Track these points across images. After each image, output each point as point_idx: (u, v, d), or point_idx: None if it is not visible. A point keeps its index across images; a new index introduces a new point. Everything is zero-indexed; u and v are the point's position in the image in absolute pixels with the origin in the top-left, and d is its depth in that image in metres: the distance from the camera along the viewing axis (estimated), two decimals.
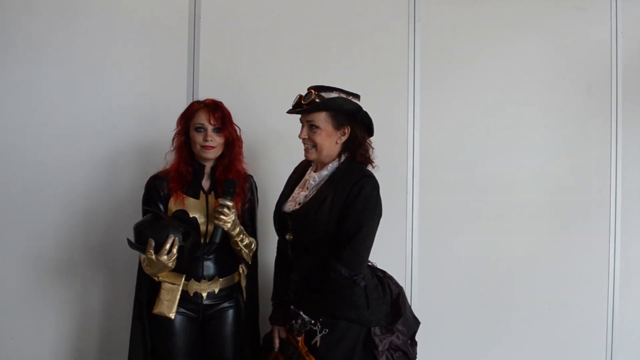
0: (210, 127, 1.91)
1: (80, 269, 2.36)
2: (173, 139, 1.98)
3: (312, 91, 1.77)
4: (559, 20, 2.74)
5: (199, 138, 1.91)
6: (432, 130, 2.62)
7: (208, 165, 1.98)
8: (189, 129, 1.94)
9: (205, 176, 1.97)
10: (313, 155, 1.81)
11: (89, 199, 2.35)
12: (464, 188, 2.63)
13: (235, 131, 1.99)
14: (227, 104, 2.00)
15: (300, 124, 1.83)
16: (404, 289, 1.95)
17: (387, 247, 2.50)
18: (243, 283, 2.03)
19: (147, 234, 1.76)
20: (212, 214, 1.83)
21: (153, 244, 1.74)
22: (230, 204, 1.80)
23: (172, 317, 1.84)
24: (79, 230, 2.35)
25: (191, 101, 2.29)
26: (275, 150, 2.47)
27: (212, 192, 1.95)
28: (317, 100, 1.74)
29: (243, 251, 1.95)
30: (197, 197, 1.93)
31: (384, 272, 1.91)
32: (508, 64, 2.69)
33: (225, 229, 1.82)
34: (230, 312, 1.97)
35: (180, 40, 2.44)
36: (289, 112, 1.85)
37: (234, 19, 2.48)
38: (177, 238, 1.77)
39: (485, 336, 2.67)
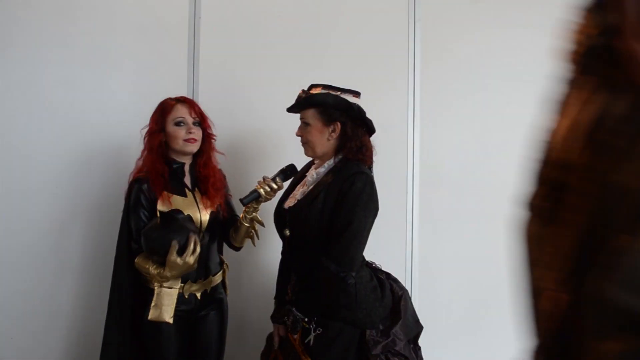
0: (190, 121, 1.91)
1: (83, 269, 2.36)
2: (145, 140, 1.92)
3: (303, 89, 1.80)
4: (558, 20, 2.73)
5: (180, 132, 1.89)
6: (432, 130, 2.62)
7: (187, 163, 1.98)
8: (165, 126, 1.91)
9: (186, 174, 1.98)
10: (308, 152, 1.84)
11: (89, 199, 2.35)
12: (464, 188, 2.63)
13: (210, 127, 2.00)
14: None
15: None
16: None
17: (387, 247, 2.51)
18: (226, 279, 2.07)
19: (167, 237, 1.71)
20: (262, 182, 1.86)
21: (177, 246, 1.71)
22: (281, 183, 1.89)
23: (171, 321, 1.81)
24: (81, 230, 2.35)
25: None
26: (276, 150, 2.46)
27: (196, 189, 1.96)
28: (304, 96, 1.78)
29: (252, 226, 2.00)
30: (184, 195, 1.93)
31: (387, 274, 1.89)
32: (508, 64, 2.68)
33: (263, 200, 1.87)
34: (216, 310, 1.98)
35: (180, 40, 2.44)
36: (288, 110, 1.90)
37: (234, 19, 2.48)
38: (197, 236, 1.76)
39: (485, 336, 2.67)
